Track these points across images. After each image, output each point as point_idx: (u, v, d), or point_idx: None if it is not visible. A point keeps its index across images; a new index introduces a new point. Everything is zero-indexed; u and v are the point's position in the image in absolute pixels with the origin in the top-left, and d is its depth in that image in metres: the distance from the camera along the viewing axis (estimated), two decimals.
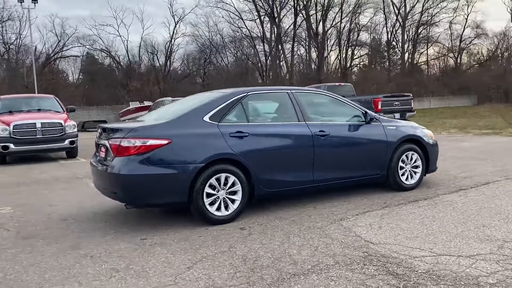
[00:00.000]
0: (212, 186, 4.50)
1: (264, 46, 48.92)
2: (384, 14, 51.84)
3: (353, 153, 5.45)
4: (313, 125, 5.17)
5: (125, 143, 4.36)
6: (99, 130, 5.13)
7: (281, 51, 48.23)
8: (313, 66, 48.50)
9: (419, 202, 5.20)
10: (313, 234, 4.11)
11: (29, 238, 4.40)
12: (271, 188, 4.85)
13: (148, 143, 4.32)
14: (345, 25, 49.96)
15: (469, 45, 54.23)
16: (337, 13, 48.78)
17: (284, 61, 48.96)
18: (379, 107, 14.64)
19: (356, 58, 53.17)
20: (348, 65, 51.72)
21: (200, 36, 48.04)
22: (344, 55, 51.32)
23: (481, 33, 53.14)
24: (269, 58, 48.30)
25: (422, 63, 55.26)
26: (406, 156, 5.80)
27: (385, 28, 52.64)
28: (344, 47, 51.01)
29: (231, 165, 4.59)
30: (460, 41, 53.86)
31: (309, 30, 47.87)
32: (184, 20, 51.38)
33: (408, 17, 52.14)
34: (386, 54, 54.61)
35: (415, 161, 5.89)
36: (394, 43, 53.93)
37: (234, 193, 4.63)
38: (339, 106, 5.68)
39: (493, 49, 53.37)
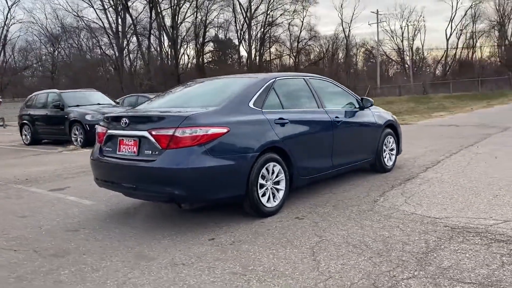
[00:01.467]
0: (263, 177, 4.25)
1: (111, 38, 46.20)
2: (234, 12, 53.95)
3: (358, 138, 5.71)
4: (330, 112, 5.25)
5: (180, 133, 3.80)
6: (110, 120, 4.37)
7: (137, 45, 46.26)
8: (168, 60, 47.72)
9: (412, 180, 5.71)
10: (373, 217, 4.20)
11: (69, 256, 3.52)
12: (305, 176, 4.78)
13: (210, 132, 3.85)
14: (200, 21, 50.57)
15: (305, 45, 59.92)
16: (188, 8, 48.88)
17: (140, 55, 47.03)
18: None
19: (206, 54, 54.29)
20: (201, 60, 52.42)
21: (38, 23, 42.98)
22: (198, 51, 51.89)
23: (314, 35, 59.27)
24: (123, 51, 45.82)
25: (269, 61, 59.05)
26: (387, 140, 6.29)
27: (234, 26, 54.89)
28: (198, 43, 51.56)
29: (276, 153, 4.39)
30: (298, 42, 59.15)
31: (160, 25, 46.90)
32: (19, 4, 45.19)
33: (254, 17, 55.12)
34: (230, 51, 57.12)
35: (392, 144, 6.43)
36: (242, 41, 56.49)
37: (278, 183, 4.44)
38: (340, 92, 5.85)
39: (324, 50, 60.09)
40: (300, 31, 58.01)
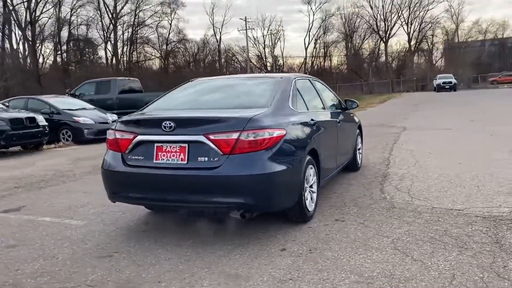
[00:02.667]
0: (306, 180, 4.12)
1: None
2: (99, 11, 50.69)
3: (348, 138, 5.89)
4: (332, 112, 5.33)
5: (246, 136, 3.48)
6: (141, 124, 3.82)
7: None
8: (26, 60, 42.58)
9: (389, 177, 6.09)
10: (405, 214, 4.36)
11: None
12: (324, 177, 4.77)
13: (275, 135, 3.59)
14: (60, 18, 46.27)
15: (173, 48, 59.20)
16: (46, 3, 44.37)
17: None
18: None
19: (66, 52, 50.03)
20: (62, 60, 48.11)
21: None
22: (57, 50, 47.41)
23: (183, 38, 59.01)
24: None
25: (137, 63, 56.81)
26: (358, 139, 6.62)
27: (97, 25, 51.58)
28: (58, 41, 47.15)
29: (311, 155, 4.30)
30: (167, 44, 58.18)
31: (13, 20, 41.65)
32: None
33: (120, 17, 52.58)
34: (91, 51, 53.81)
35: (360, 143, 6.79)
36: (108, 41, 53.38)
37: (312, 186, 4.35)
38: (329, 93, 5.95)
39: (193, 53, 60.26)
40: (169, 34, 57.22)
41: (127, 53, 54.90)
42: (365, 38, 61.73)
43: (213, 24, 61.17)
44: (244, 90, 4.62)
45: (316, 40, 62.90)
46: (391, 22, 60.47)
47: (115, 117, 12.40)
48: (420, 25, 60.26)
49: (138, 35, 55.15)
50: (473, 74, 50.90)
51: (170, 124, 3.65)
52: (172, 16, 56.23)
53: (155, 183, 3.71)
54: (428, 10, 59.76)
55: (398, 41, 63.18)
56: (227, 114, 3.79)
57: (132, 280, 3.06)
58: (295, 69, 63.25)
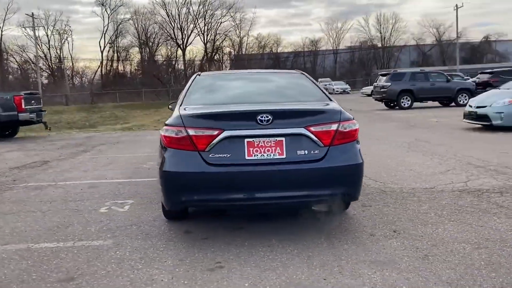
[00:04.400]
0: None
1: None
2: None
3: None
4: None
5: (343, 127, 3.61)
6: (229, 119, 3.57)
7: None
8: None
9: None
10: (396, 197, 5.11)
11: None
12: None
13: (358, 126, 3.77)
14: None
15: None
16: None
17: None
18: (23, 106, 12.63)
19: None
20: None
21: None
22: None
23: None
24: None
25: None
26: None
27: None
28: None
29: None
30: None
31: None
32: None
33: None
34: None
35: None
36: None
37: None
38: None
39: None
40: None
41: None
42: (159, 45, 62.63)
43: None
44: (282, 84, 4.61)
45: (111, 43, 60.48)
46: (187, 31, 62.85)
47: None
48: (214, 36, 64.40)
49: None
50: None
51: (267, 117, 3.47)
52: None
53: (248, 182, 3.45)
54: (221, 22, 64.37)
55: (198, 49, 65.95)
56: (321, 106, 3.80)
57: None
58: (88, 73, 59.49)
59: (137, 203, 5.06)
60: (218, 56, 67.73)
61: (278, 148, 3.48)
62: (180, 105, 3.97)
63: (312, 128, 3.52)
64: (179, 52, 63.35)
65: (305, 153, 3.50)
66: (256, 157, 3.46)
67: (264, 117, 3.47)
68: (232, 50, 70.61)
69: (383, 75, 21.26)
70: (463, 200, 4.74)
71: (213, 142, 3.45)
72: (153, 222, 4.28)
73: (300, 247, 3.48)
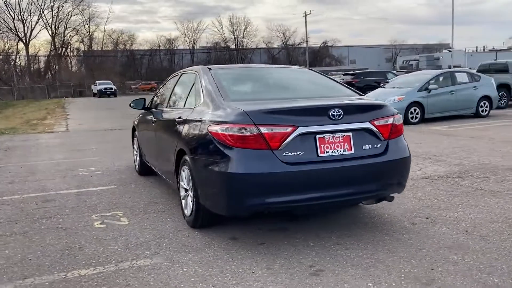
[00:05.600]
0: None
1: None
2: None
3: None
4: None
5: (396, 120, 3.72)
6: (300, 114, 3.38)
7: None
8: None
9: None
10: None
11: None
12: None
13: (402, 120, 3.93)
14: None
15: None
16: None
17: None
18: None
19: None
20: None
21: None
22: None
23: None
24: None
25: None
26: None
27: None
28: None
29: None
30: None
31: None
32: None
33: None
34: None
35: None
36: None
37: None
38: None
39: None
40: None
41: None
42: None
43: None
44: (308, 78, 4.55)
45: None
46: (31, 23, 56.11)
47: None
48: (64, 30, 58.79)
49: None
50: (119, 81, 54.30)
51: (339, 112, 3.39)
52: None
53: (323, 180, 3.32)
54: (71, 15, 59.05)
55: (41, 43, 59.44)
56: (377, 101, 3.80)
57: None
58: None
59: (130, 213, 4.43)
60: (69, 52, 62.11)
61: (346, 143, 3.43)
62: (223, 100, 3.62)
63: (375, 122, 3.55)
64: (21, 45, 56.27)
65: (369, 148, 3.52)
66: (328, 154, 3.36)
67: (337, 112, 3.39)
68: (82, 45, 65.45)
69: None
70: (441, 185, 5.28)
71: (287, 139, 3.24)
72: (182, 232, 3.82)
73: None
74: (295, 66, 5.24)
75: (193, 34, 76.26)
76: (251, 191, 3.22)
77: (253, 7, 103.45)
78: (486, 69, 16.37)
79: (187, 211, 3.95)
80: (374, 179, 3.54)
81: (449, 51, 73.86)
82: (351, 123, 3.47)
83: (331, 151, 3.38)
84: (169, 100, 5.07)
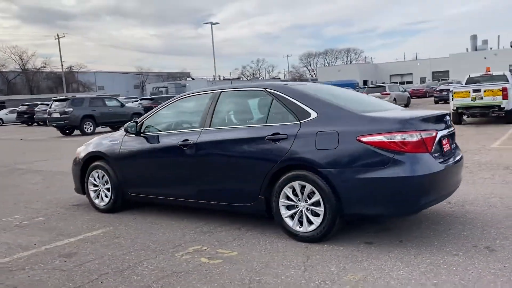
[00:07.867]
0: None
1: None
2: None
3: None
4: None
5: None
6: (436, 120, 3.99)
7: None
8: None
9: None
10: None
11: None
12: None
13: None
14: None
15: None
16: None
17: None
18: None
19: None
20: None
21: None
22: None
23: None
24: None
25: None
26: None
27: None
28: None
29: None
30: None
31: None
32: None
33: None
34: None
35: None
36: None
37: None
38: None
39: None
40: None
41: None
42: None
43: None
44: (353, 93, 5.15)
45: None
46: None
47: None
48: None
49: None
50: None
51: (448, 118, 4.09)
52: None
53: (454, 174, 3.98)
54: None
55: None
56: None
57: None
58: None
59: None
60: None
61: (448, 143, 4.13)
62: (356, 112, 3.80)
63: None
64: None
65: (454, 146, 4.35)
66: (448, 153, 4.03)
67: (447, 118, 4.13)
68: None
69: (57, 100, 19.65)
70: None
71: (434, 142, 3.75)
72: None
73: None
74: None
75: None
76: (424, 190, 3.58)
77: None
78: None
79: (304, 226, 3.84)
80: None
81: (193, 79, 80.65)
82: (450, 127, 4.26)
83: (448, 151, 4.07)
84: (211, 121, 4.52)
